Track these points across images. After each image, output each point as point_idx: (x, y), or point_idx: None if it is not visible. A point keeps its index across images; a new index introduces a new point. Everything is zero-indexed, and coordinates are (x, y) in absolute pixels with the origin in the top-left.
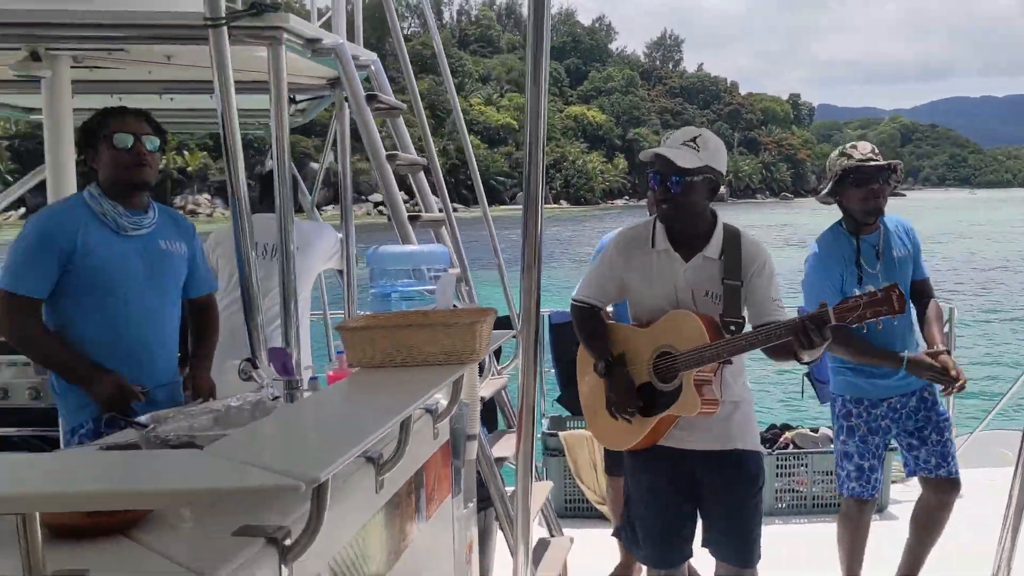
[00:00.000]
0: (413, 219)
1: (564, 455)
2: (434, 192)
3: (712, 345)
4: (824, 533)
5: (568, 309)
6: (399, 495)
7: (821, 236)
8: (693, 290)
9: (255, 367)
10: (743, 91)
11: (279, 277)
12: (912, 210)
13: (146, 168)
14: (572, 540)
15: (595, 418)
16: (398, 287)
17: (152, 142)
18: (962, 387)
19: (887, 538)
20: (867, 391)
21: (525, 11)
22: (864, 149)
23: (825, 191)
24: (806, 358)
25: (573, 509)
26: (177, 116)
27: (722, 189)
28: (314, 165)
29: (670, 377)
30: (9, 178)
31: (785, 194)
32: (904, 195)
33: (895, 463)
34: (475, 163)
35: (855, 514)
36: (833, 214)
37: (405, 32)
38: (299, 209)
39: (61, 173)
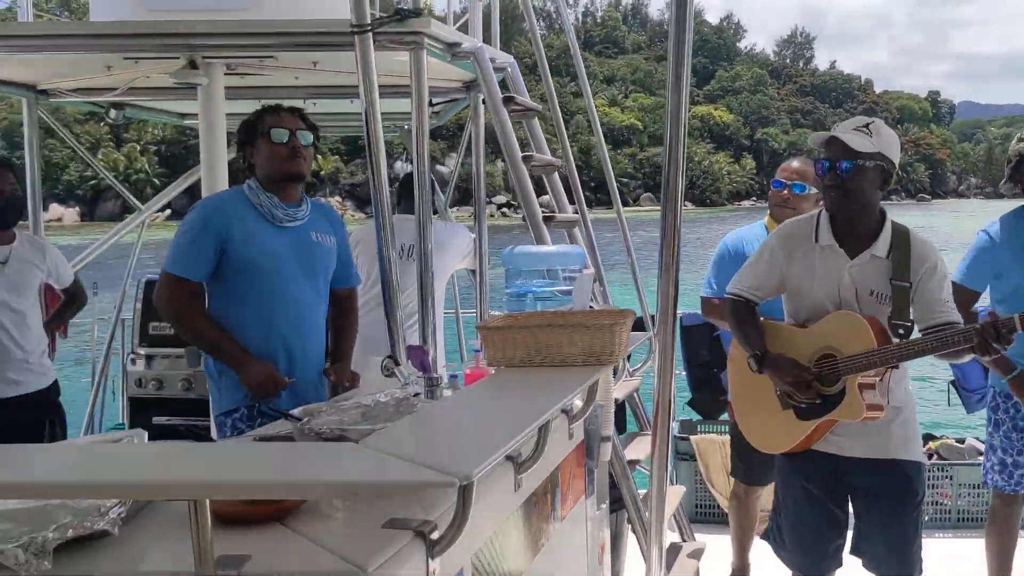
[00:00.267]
0: (547, 220)
1: (695, 459)
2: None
3: (883, 350)
4: (970, 549)
5: (699, 311)
6: (536, 494)
7: (1004, 216)
8: (857, 288)
9: (397, 364)
10: (878, 89)
11: (417, 276)
12: None
13: (300, 161)
14: (704, 545)
15: (748, 417)
16: (532, 288)
17: (306, 137)
18: None
19: None
20: None
21: (652, 12)
22: None
23: (1004, 180)
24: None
25: (704, 514)
26: (316, 120)
27: None
28: (440, 168)
29: (832, 380)
30: (156, 181)
31: (923, 195)
32: None
33: None
34: (609, 165)
35: (1000, 510)
36: (976, 215)
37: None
38: (434, 211)
39: (215, 174)
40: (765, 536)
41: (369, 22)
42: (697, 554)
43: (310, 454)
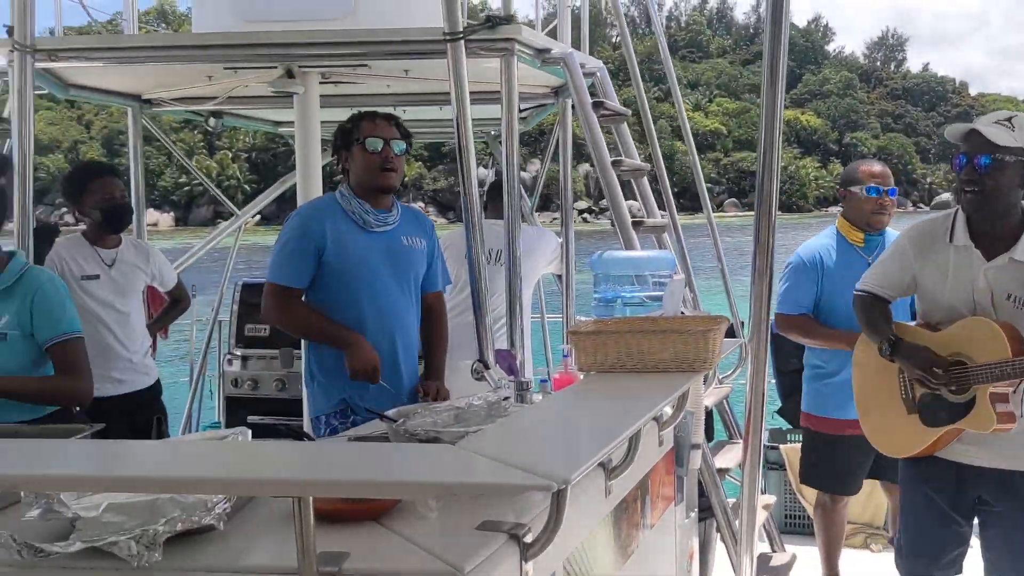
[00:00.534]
0: (636, 225)
1: (785, 469)
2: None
3: (1018, 362)
4: None
5: (789, 307)
6: (626, 501)
7: None
8: (993, 292)
9: (487, 367)
10: (973, 91)
11: (505, 281)
12: None
13: (393, 172)
14: (795, 556)
15: (868, 416)
16: (621, 293)
17: (399, 146)
18: None
19: None
20: None
21: (737, 15)
22: None
23: None
24: None
25: (794, 524)
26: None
27: (948, 195)
28: (522, 173)
29: (963, 389)
30: (247, 187)
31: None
32: None
33: None
34: (700, 171)
35: None
36: None
37: (613, 40)
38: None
39: (309, 181)
40: (892, 541)
41: (461, 30)
42: (788, 565)
43: (411, 455)
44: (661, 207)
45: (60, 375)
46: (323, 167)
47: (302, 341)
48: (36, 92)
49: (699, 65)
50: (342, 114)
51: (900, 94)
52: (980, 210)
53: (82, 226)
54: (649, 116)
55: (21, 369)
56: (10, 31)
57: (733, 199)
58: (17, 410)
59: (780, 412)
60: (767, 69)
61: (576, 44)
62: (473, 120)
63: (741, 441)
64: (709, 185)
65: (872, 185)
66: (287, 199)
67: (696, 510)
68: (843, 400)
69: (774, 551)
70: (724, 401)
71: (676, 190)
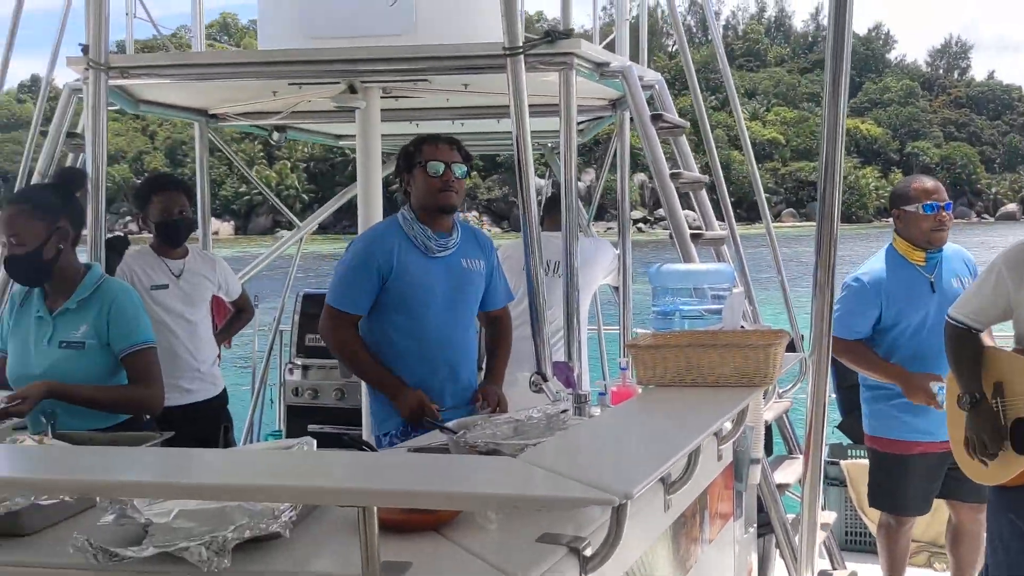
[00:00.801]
0: (695, 237)
1: (845, 485)
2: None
3: None
4: None
5: (844, 332)
6: (684, 516)
7: None
8: None
9: (545, 380)
10: None
11: (563, 293)
12: None
13: (452, 193)
14: (855, 574)
15: (961, 444)
16: (680, 306)
17: (460, 169)
18: None
19: None
20: None
21: (796, 24)
22: None
23: None
24: None
25: (854, 542)
26: (462, 140)
27: (1013, 206)
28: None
29: None
30: (305, 197)
31: None
32: None
33: None
34: (759, 181)
35: None
36: None
37: (670, 49)
38: None
39: (370, 192)
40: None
41: (521, 45)
42: None
43: (474, 467)
44: (719, 217)
45: (134, 384)
46: (393, 181)
47: None
48: (107, 107)
49: (757, 74)
50: (402, 127)
51: (964, 102)
52: None
53: (146, 234)
54: (707, 125)
55: (97, 378)
56: (85, 49)
57: (791, 209)
58: (91, 418)
59: (840, 427)
60: (828, 81)
61: (634, 55)
62: (532, 132)
63: (801, 456)
64: (767, 195)
65: (929, 202)
66: (344, 209)
67: (755, 526)
68: (907, 420)
69: (834, 568)
70: (784, 416)
71: (733, 200)
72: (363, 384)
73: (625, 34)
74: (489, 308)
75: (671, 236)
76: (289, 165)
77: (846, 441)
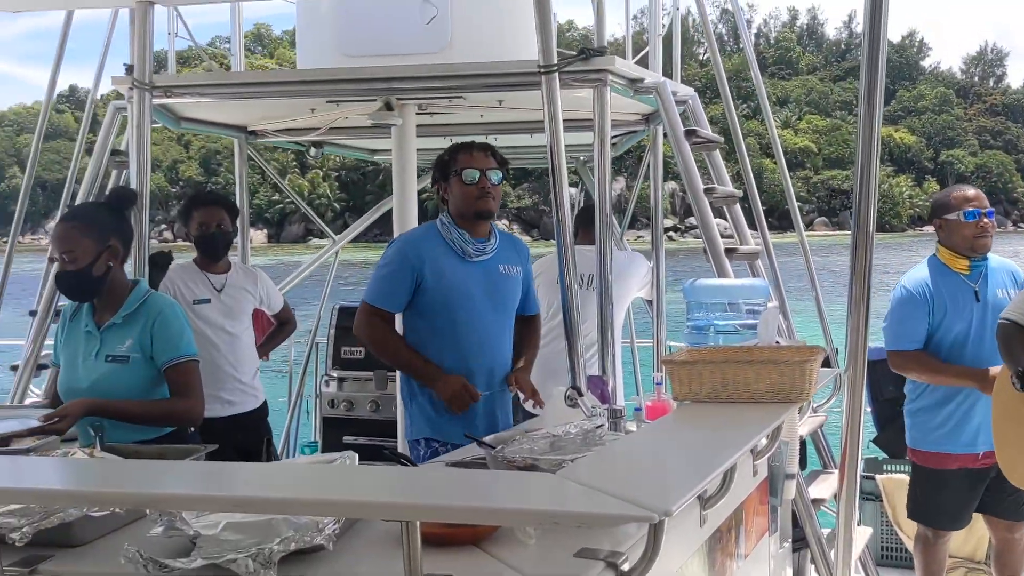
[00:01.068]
0: (730, 252)
1: (880, 499)
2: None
3: None
4: None
5: (883, 344)
6: (720, 531)
7: None
8: None
9: (580, 394)
10: None
11: (597, 307)
12: None
13: (489, 200)
14: None
15: (1005, 449)
16: (714, 321)
17: (496, 175)
18: None
19: None
20: None
21: (828, 31)
22: None
23: None
24: None
25: (890, 558)
26: None
27: None
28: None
29: None
30: (336, 206)
31: None
32: None
33: None
34: (792, 193)
35: None
36: None
37: (701, 57)
38: None
39: (406, 206)
40: None
41: (556, 63)
42: None
43: (514, 484)
44: (750, 225)
45: (174, 397)
46: (430, 189)
47: None
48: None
49: (789, 82)
50: (436, 142)
51: (1000, 110)
52: None
53: (180, 241)
54: (739, 134)
55: (141, 391)
56: (129, 69)
57: (823, 217)
58: (137, 430)
59: (876, 441)
60: (864, 91)
61: (666, 68)
62: (566, 146)
63: (835, 471)
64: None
65: (970, 209)
66: (377, 219)
67: (790, 540)
68: (948, 433)
69: None
70: (819, 430)
71: (764, 208)
72: (398, 394)
73: (658, 48)
74: (522, 313)
75: (705, 251)
76: (321, 174)
77: (882, 455)
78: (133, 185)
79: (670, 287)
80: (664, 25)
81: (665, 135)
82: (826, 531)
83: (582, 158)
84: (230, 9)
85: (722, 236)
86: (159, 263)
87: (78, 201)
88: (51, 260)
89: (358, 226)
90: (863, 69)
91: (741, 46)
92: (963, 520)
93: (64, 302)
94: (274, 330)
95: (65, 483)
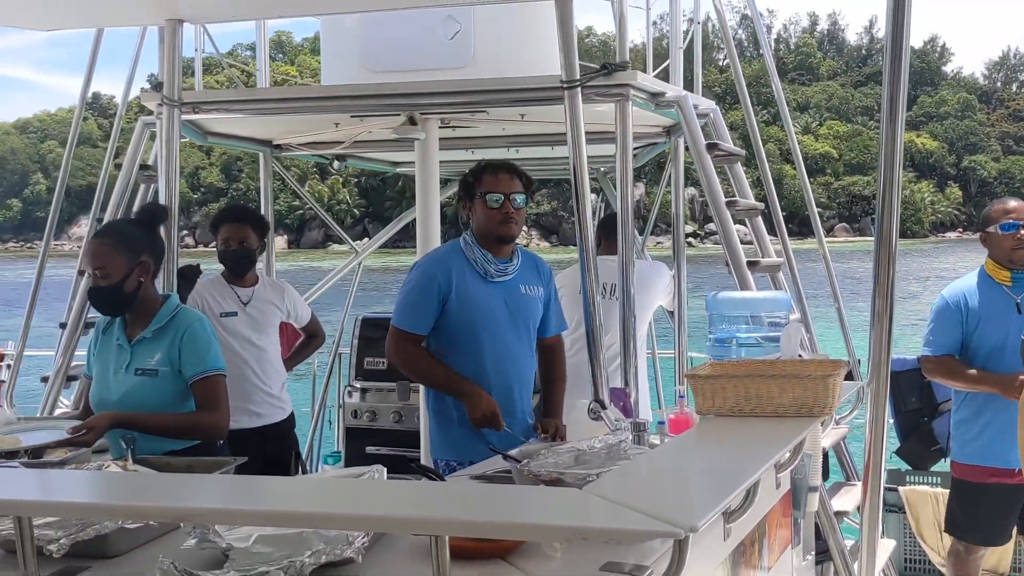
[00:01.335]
0: (752, 265)
1: (903, 511)
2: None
3: None
4: None
5: (904, 356)
6: (744, 543)
7: None
8: None
9: (603, 407)
10: None
11: (619, 318)
12: None
13: (512, 224)
14: None
15: None
16: (736, 333)
17: (519, 198)
18: None
19: None
20: None
21: (849, 37)
22: None
23: None
24: None
25: (913, 570)
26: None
27: None
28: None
29: None
30: (356, 211)
31: None
32: None
33: None
34: (813, 202)
35: None
36: None
37: (720, 63)
38: None
39: (429, 218)
40: None
41: (578, 78)
42: None
43: (542, 499)
44: (770, 232)
45: (201, 410)
46: (455, 207)
47: None
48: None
49: (809, 87)
50: (459, 155)
51: (1023, 116)
52: None
53: (201, 247)
54: (759, 140)
55: (169, 403)
56: (158, 86)
57: (844, 224)
58: (166, 442)
59: (898, 452)
60: (887, 99)
61: (687, 80)
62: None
63: (858, 483)
64: (820, 210)
65: (1006, 221)
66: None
67: (813, 553)
68: (984, 446)
69: None
70: (842, 442)
71: (785, 214)
72: (421, 405)
73: (679, 61)
74: (543, 335)
75: (727, 263)
76: (341, 180)
77: (904, 467)
78: (161, 199)
79: (690, 294)
80: (685, 34)
81: (687, 147)
82: (849, 543)
83: (603, 169)
84: (255, 25)
85: (741, 242)
86: (187, 276)
87: (107, 213)
88: (80, 273)
89: (380, 237)
90: (885, 83)
91: (761, 52)
92: (999, 538)
93: (95, 315)
94: (302, 343)
95: (101, 497)
